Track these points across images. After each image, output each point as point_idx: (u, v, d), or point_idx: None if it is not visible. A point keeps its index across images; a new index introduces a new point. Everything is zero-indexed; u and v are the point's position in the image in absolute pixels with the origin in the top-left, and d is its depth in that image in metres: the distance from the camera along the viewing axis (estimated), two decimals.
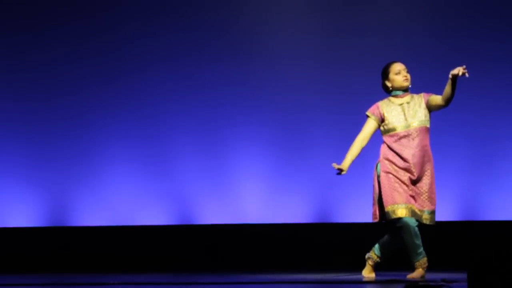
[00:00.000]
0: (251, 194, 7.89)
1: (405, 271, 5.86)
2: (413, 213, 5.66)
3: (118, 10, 8.21)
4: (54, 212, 8.09)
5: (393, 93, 5.89)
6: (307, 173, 7.80)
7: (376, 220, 5.83)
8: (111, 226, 8.01)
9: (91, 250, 7.99)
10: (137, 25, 8.15)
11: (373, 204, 5.84)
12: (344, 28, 7.90)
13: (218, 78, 8.02)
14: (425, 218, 5.73)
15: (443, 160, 7.00)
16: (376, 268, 6.00)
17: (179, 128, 8.03)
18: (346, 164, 5.82)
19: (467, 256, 3.96)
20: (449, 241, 7.43)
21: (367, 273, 6.00)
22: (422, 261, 5.71)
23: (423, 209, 5.72)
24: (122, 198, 8.01)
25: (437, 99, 5.76)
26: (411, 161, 5.72)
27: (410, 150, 5.74)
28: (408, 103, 5.83)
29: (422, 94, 5.85)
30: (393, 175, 5.72)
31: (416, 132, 5.76)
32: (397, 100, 5.87)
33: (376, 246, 5.96)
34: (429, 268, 5.77)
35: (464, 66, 5.53)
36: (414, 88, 5.91)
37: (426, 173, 5.75)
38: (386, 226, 5.90)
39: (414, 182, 5.73)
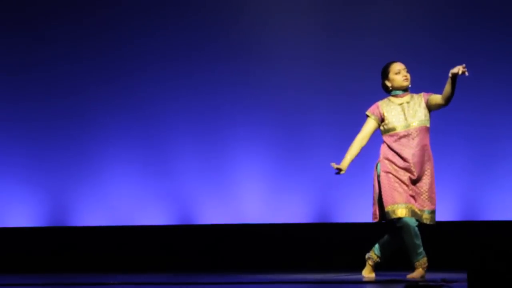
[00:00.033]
0: (251, 194, 7.89)
1: (405, 271, 5.86)
2: (413, 213, 5.66)
3: (118, 10, 8.21)
4: (54, 212, 8.09)
5: (393, 92, 5.89)
6: (307, 173, 7.80)
7: (376, 220, 5.83)
8: (111, 226, 8.01)
9: (91, 250, 7.99)
10: (137, 25, 8.15)
11: (373, 204, 5.84)
12: (344, 28, 7.90)
13: (218, 78, 8.02)
14: (426, 217, 5.73)
15: (443, 160, 7.00)
16: (376, 268, 6.00)
17: (179, 128, 8.03)
18: (345, 163, 5.81)
19: (467, 256, 3.96)
20: (449, 241, 7.43)
21: (367, 273, 5.99)
22: (422, 261, 5.71)
23: (423, 208, 5.72)
24: (122, 198, 8.01)
25: (437, 98, 5.76)
26: (411, 161, 5.72)
27: (410, 149, 5.74)
28: (408, 102, 5.83)
29: (422, 94, 5.86)
30: (393, 175, 5.72)
31: (416, 131, 5.76)
32: (397, 100, 5.87)
33: (376, 246, 5.96)
34: (429, 268, 5.77)
35: (464, 65, 5.54)
36: (414, 88, 5.91)
37: (426, 172, 5.75)
38: (386, 226, 5.90)
39: (414, 181, 5.73)
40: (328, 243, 7.73)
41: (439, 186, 5.85)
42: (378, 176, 5.79)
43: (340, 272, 6.63)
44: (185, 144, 8.01)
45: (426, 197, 5.73)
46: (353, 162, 5.88)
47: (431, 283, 4.82)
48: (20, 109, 8.20)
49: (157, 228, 7.98)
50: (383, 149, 5.84)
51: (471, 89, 7.45)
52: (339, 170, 5.78)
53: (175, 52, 8.09)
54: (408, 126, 5.78)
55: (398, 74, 5.85)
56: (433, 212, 5.76)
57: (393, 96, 5.89)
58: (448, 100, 5.70)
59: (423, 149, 5.75)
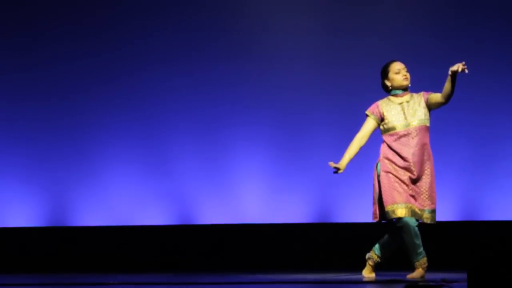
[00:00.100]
0: (251, 194, 7.89)
1: (405, 271, 5.86)
2: (413, 213, 5.66)
3: (118, 10, 8.21)
4: (54, 212, 8.09)
5: (393, 92, 5.89)
6: (307, 173, 7.80)
7: (376, 220, 5.83)
8: (111, 226, 8.01)
9: (91, 250, 7.99)
10: (137, 25, 8.15)
11: (373, 204, 5.84)
12: (344, 28, 7.90)
13: (218, 78, 8.02)
14: (426, 217, 5.73)
15: (443, 160, 7.00)
16: (376, 268, 6.00)
17: (179, 128, 8.03)
18: (343, 163, 5.81)
19: (467, 256, 3.96)
20: (449, 241, 7.43)
21: (367, 273, 5.99)
22: (422, 261, 5.71)
23: (424, 208, 5.71)
24: (122, 198, 8.01)
25: (436, 96, 5.76)
26: (411, 160, 5.72)
27: (410, 149, 5.73)
28: (407, 102, 5.83)
29: (421, 93, 5.86)
30: (393, 174, 5.72)
31: (416, 131, 5.76)
32: (396, 99, 5.87)
33: (376, 246, 5.95)
34: (429, 268, 5.77)
35: (464, 63, 5.54)
36: (414, 88, 5.91)
37: (426, 172, 5.75)
38: (386, 226, 5.90)
39: (414, 181, 5.73)
40: (328, 243, 7.73)
41: (439, 186, 5.85)
42: (378, 176, 5.79)
43: (340, 272, 6.63)
44: (185, 144, 8.01)
45: (427, 196, 5.73)
46: (353, 162, 5.88)
47: (431, 283, 4.82)
48: (20, 109, 8.21)
49: (157, 228, 7.98)
50: (383, 148, 5.84)
51: (471, 89, 7.45)
52: (337, 169, 5.78)
53: (175, 52, 8.09)
54: (408, 125, 5.77)
55: (398, 73, 5.85)
56: (433, 212, 5.75)
57: (393, 95, 5.89)
58: (448, 98, 5.70)
59: (422, 148, 5.75)
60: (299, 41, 7.96)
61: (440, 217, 5.93)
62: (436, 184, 5.79)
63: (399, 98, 5.86)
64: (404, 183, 5.70)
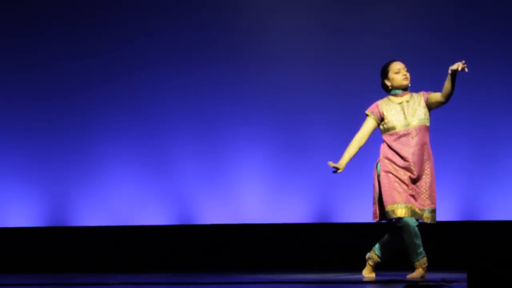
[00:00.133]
0: (251, 194, 7.89)
1: (405, 271, 5.86)
2: (413, 213, 5.66)
3: (118, 10, 8.21)
4: (54, 212, 8.09)
5: (393, 92, 5.89)
6: (307, 173, 7.80)
7: (377, 220, 5.83)
8: (111, 226, 8.01)
9: (91, 250, 7.99)
10: (137, 25, 8.15)
11: (374, 204, 5.84)
12: (344, 28, 7.90)
13: (218, 78, 8.02)
14: (426, 217, 5.73)
15: (443, 160, 6.99)
16: (376, 268, 6.00)
17: (179, 128, 8.03)
18: (343, 162, 5.81)
19: (467, 256, 3.96)
20: (449, 241, 7.43)
21: (367, 273, 5.99)
22: (422, 261, 5.71)
23: (424, 208, 5.71)
24: (122, 198, 8.02)
25: (436, 96, 5.76)
26: (410, 160, 5.71)
27: (410, 148, 5.73)
28: (407, 101, 5.83)
29: (421, 93, 5.85)
30: (393, 174, 5.72)
31: (416, 130, 5.76)
32: (396, 99, 5.86)
33: (377, 246, 5.95)
34: (429, 268, 5.77)
35: (463, 61, 5.53)
36: (414, 88, 5.91)
37: (426, 171, 5.75)
38: (387, 226, 5.90)
39: (414, 181, 5.73)
40: (328, 243, 7.73)
41: (439, 186, 5.85)
42: (378, 176, 5.78)
43: (340, 272, 6.63)
44: (185, 144, 8.01)
45: (427, 196, 5.73)
46: (353, 162, 5.88)
47: (431, 283, 4.82)
48: (20, 109, 8.21)
49: (157, 228, 7.98)
50: (383, 148, 5.84)
51: (471, 89, 7.45)
52: (337, 169, 5.78)
53: (175, 52, 8.09)
54: (407, 125, 5.77)
55: (398, 73, 5.85)
56: (433, 211, 5.75)
57: (393, 95, 5.89)
58: (448, 97, 5.70)
59: (422, 148, 5.75)
60: (299, 41, 7.96)
61: (440, 217, 5.93)
62: (436, 184, 5.79)
63: (399, 97, 5.86)
64: (404, 183, 5.70)
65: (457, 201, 7.61)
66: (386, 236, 5.91)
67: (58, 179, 8.10)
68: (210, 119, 8.01)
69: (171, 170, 7.99)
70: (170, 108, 8.04)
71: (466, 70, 5.54)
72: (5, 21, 8.30)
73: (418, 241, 5.68)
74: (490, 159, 7.65)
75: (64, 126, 8.15)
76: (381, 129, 5.88)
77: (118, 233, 7.99)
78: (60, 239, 8.05)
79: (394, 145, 5.77)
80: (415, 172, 5.71)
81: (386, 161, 5.77)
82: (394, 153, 5.76)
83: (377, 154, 5.86)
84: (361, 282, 5.61)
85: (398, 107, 5.82)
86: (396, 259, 6.05)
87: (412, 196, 5.70)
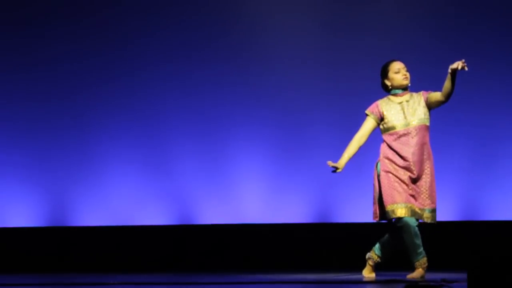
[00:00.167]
0: (251, 194, 7.89)
1: (405, 271, 5.86)
2: (413, 213, 5.66)
3: (118, 10, 8.21)
4: (54, 212, 8.09)
5: (393, 91, 5.89)
6: (307, 173, 7.80)
7: (377, 219, 5.83)
8: (111, 226, 8.01)
9: (91, 250, 7.99)
10: (137, 25, 8.15)
11: (374, 203, 5.83)
12: (344, 28, 7.90)
13: (218, 78, 8.02)
14: (426, 216, 5.72)
15: (443, 160, 6.99)
16: (376, 268, 6.00)
17: (179, 128, 8.03)
18: (342, 162, 5.80)
19: (467, 256, 3.96)
20: (449, 241, 7.43)
21: (367, 273, 5.99)
22: (422, 261, 5.71)
23: (424, 207, 5.71)
24: (122, 198, 8.02)
25: (436, 95, 5.76)
26: (410, 160, 5.71)
27: (410, 148, 5.73)
28: (407, 101, 5.83)
29: (421, 92, 5.85)
30: (393, 174, 5.72)
31: (416, 130, 5.76)
32: (396, 99, 5.86)
33: (377, 246, 5.95)
34: (429, 268, 5.76)
35: (463, 60, 5.53)
36: (414, 87, 5.91)
37: (426, 171, 5.75)
38: (387, 226, 5.90)
39: (414, 180, 5.73)
40: (328, 243, 7.73)
41: (439, 186, 5.84)
42: (378, 176, 5.78)
43: (340, 272, 6.63)
44: (185, 144, 8.01)
45: (427, 195, 5.73)
46: (353, 162, 5.88)
47: (431, 283, 4.81)
48: (20, 109, 8.21)
49: (157, 228, 7.98)
50: (383, 148, 5.84)
51: (471, 89, 7.46)
52: (336, 168, 5.78)
53: (175, 52, 8.09)
54: (407, 124, 5.77)
55: (398, 73, 5.85)
56: (433, 211, 5.75)
57: (393, 95, 5.89)
58: (448, 96, 5.70)
59: (422, 147, 5.75)
60: (299, 41, 7.96)
61: (440, 217, 5.93)
62: (436, 184, 5.79)
63: (399, 97, 5.86)
64: (404, 182, 5.70)
65: (457, 201, 7.61)
66: (386, 236, 5.91)
67: (58, 179, 8.10)
68: (210, 119, 8.01)
69: (171, 170, 7.99)
70: (170, 108, 8.04)
71: (466, 69, 5.54)
72: (5, 21, 8.30)
73: (418, 241, 5.68)
74: (490, 159, 7.65)
75: (64, 126, 8.15)
76: (381, 129, 5.88)
77: (118, 233, 7.99)
78: (60, 239, 8.05)
79: (394, 144, 5.77)
80: (415, 172, 5.71)
81: (386, 160, 5.77)
82: (394, 153, 5.76)
83: (377, 154, 5.86)
84: (361, 282, 5.61)
85: (398, 107, 5.82)
86: (396, 259, 6.05)
87: (412, 196, 5.70)
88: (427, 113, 5.80)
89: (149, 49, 8.11)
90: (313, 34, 7.96)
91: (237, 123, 7.96)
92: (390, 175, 5.72)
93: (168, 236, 7.95)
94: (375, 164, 5.85)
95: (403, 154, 5.72)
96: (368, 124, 5.88)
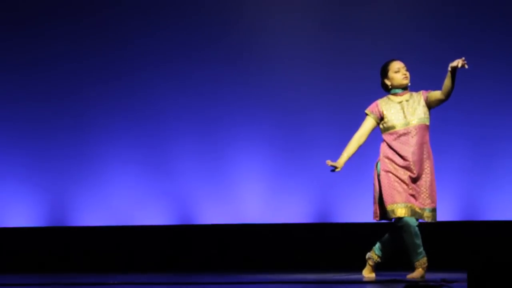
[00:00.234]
0: (251, 194, 7.89)
1: (405, 271, 5.86)
2: (413, 212, 5.66)
3: (118, 10, 8.21)
4: (54, 212, 8.09)
5: (392, 91, 5.89)
6: (307, 173, 7.80)
7: (377, 219, 5.83)
8: (111, 226, 8.01)
9: (91, 250, 7.99)
10: (137, 25, 8.15)
11: (374, 203, 5.83)
12: (344, 28, 7.90)
13: (218, 78, 8.02)
14: (427, 216, 5.72)
15: (443, 160, 6.99)
16: (376, 268, 6.00)
17: (179, 128, 8.03)
18: (341, 161, 5.80)
19: (467, 256, 3.96)
20: (449, 241, 7.43)
21: (367, 273, 5.99)
22: (422, 261, 5.70)
23: (424, 207, 5.71)
24: (122, 198, 8.01)
25: (436, 94, 5.76)
26: (410, 159, 5.71)
27: (410, 148, 5.73)
28: (407, 101, 5.83)
29: (421, 92, 5.85)
30: (393, 174, 5.72)
31: (416, 129, 5.76)
32: (396, 98, 5.86)
33: (377, 246, 5.95)
34: (429, 268, 5.77)
35: (463, 58, 5.53)
36: (414, 87, 5.91)
37: (426, 170, 5.74)
38: (387, 226, 5.90)
39: (414, 180, 5.73)
40: (328, 243, 7.73)
41: (439, 186, 5.84)
42: (378, 175, 5.78)
43: (340, 272, 6.63)
44: (185, 144, 8.01)
45: (427, 195, 5.72)
46: (353, 162, 5.88)
47: (431, 283, 4.82)
48: (20, 109, 8.21)
49: (157, 228, 7.98)
50: (383, 147, 5.84)
51: (471, 89, 7.46)
52: (335, 167, 5.78)
53: (175, 52, 8.09)
54: (407, 124, 5.77)
55: (398, 72, 5.85)
56: (434, 210, 5.75)
57: (393, 94, 5.89)
58: (448, 95, 5.69)
59: (422, 147, 5.75)
60: (299, 41, 7.96)
61: (440, 217, 5.93)
62: (436, 184, 5.79)
63: (399, 97, 5.86)
64: (404, 182, 5.70)
65: (457, 201, 7.61)
66: (386, 236, 5.91)
67: (58, 179, 8.10)
68: (210, 119, 8.01)
69: (171, 170, 7.99)
70: (170, 108, 8.04)
71: (466, 66, 5.54)
72: (5, 21, 8.30)
73: (418, 241, 5.68)
74: (490, 159, 7.65)
75: (64, 126, 8.15)
76: (381, 128, 5.88)
77: (118, 233, 7.99)
78: (60, 239, 8.05)
79: (394, 144, 5.77)
80: (415, 171, 5.71)
81: (386, 160, 5.77)
82: (394, 153, 5.76)
83: (377, 153, 5.86)
84: (361, 282, 5.61)
85: (398, 106, 5.82)
86: (396, 259, 6.05)
87: (412, 195, 5.70)
88: (427, 113, 5.80)
89: (149, 49, 8.10)
90: (313, 34, 7.96)
91: (237, 123, 7.96)
92: (390, 174, 5.72)
93: (168, 236, 7.95)
94: (375, 164, 5.85)
95: (403, 153, 5.72)
96: (368, 124, 5.88)
